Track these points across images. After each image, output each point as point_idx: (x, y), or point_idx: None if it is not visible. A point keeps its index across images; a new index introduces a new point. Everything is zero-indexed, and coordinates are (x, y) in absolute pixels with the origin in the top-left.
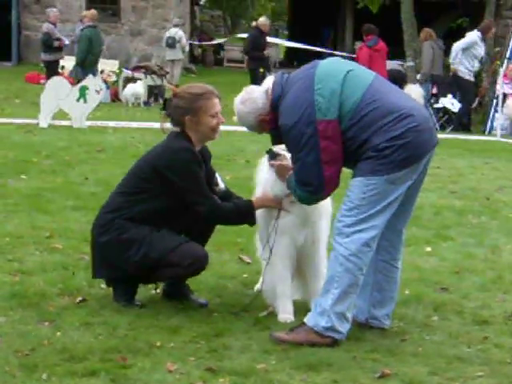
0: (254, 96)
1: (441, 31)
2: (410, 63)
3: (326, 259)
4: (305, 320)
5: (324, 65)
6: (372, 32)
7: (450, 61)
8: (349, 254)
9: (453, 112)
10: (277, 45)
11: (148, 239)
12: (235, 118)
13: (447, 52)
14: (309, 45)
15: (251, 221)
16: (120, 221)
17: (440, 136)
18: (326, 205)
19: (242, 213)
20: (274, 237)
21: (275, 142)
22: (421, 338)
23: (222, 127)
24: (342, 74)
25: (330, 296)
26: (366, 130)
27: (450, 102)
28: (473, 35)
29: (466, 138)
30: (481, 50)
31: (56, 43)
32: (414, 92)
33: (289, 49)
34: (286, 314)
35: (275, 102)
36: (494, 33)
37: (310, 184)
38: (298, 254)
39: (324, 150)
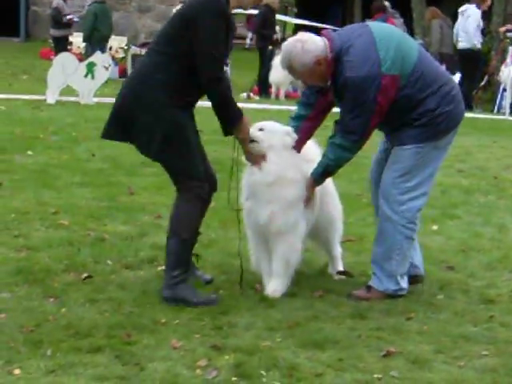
0: (314, 38)
1: (450, 9)
2: (418, 41)
3: (294, 244)
4: (372, 284)
5: (376, 25)
6: (381, 10)
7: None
8: (406, 222)
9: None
10: (282, 22)
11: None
12: (244, 95)
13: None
14: (317, 22)
15: (234, 122)
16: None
17: None
18: (301, 186)
19: (235, 108)
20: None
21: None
22: (426, 317)
23: None
24: (398, 33)
25: (394, 262)
26: (423, 90)
27: (459, 81)
28: (476, 11)
29: (474, 117)
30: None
31: (65, 19)
32: None
33: (298, 27)
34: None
35: (337, 53)
36: (488, 6)
37: (355, 133)
38: (267, 231)
39: (379, 104)
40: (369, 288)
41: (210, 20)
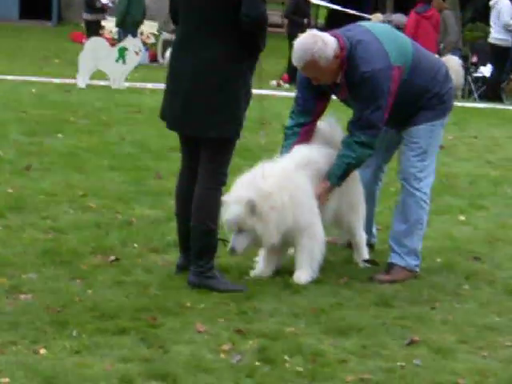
0: (326, 34)
1: (482, 0)
2: None
3: (316, 234)
4: (393, 261)
5: (367, 23)
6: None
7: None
8: (426, 198)
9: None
10: (315, 8)
11: None
12: (273, 83)
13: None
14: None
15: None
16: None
17: (478, 105)
18: (295, 203)
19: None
20: None
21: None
22: (451, 307)
23: (258, 91)
24: (388, 27)
25: (416, 237)
26: (426, 77)
27: (490, 72)
28: (507, 3)
29: (504, 108)
30: None
31: (99, 4)
32: (452, 62)
33: (330, 15)
34: (256, 272)
35: (348, 50)
36: None
37: (374, 126)
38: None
39: (392, 94)
40: (388, 269)
41: None
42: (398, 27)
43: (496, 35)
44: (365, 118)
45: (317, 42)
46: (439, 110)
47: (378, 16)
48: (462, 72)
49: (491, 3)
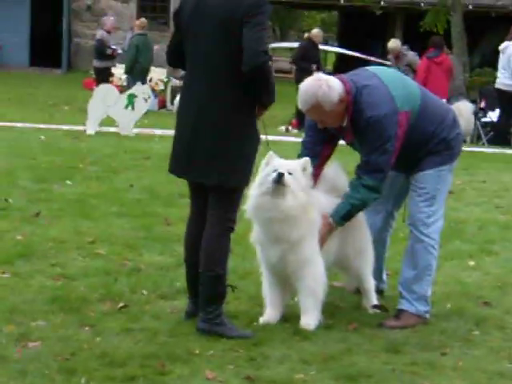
0: (332, 78)
1: (491, 44)
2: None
3: (316, 275)
4: (403, 308)
5: (375, 68)
6: (435, 45)
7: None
8: (434, 243)
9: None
10: (323, 54)
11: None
12: (282, 128)
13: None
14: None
15: (273, 96)
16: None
17: (487, 150)
18: (310, 223)
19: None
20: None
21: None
22: (461, 353)
23: (266, 137)
24: (396, 72)
25: (425, 283)
26: (433, 122)
27: (498, 117)
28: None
29: None
30: None
31: (109, 51)
32: (464, 108)
33: (338, 60)
34: (265, 318)
35: (354, 94)
36: None
37: (381, 171)
38: (282, 269)
39: (399, 139)
40: (398, 315)
41: (262, 11)
42: (410, 66)
43: (503, 80)
44: (372, 162)
45: (321, 86)
46: (446, 155)
47: (397, 41)
48: (472, 118)
49: (501, 48)
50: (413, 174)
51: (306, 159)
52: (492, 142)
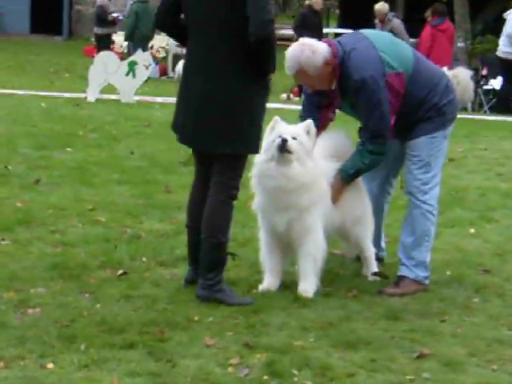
0: (317, 42)
1: (493, 13)
2: (460, 44)
3: (317, 241)
4: (403, 274)
5: (369, 31)
6: (439, 12)
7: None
8: (432, 209)
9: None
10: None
11: None
12: (283, 96)
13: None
14: (359, 26)
15: (274, 63)
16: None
17: (489, 118)
18: (317, 190)
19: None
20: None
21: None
22: (460, 320)
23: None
24: (389, 35)
25: (424, 249)
26: (425, 87)
27: (500, 84)
28: None
29: None
30: None
31: (110, 17)
32: (463, 74)
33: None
34: (264, 285)
35: (342, 57)
36: None
37: (382, 135)
38: (286, 236)
39: (391, 102)
40: (398, 282)
41: None
42: (393, 32)
43: (504, 48)
44: (371, 127)
45: (304, 51)
46: (439, 121)
47: (384, 5)
48: (472, 85)
49: (505, 14)
50: (406, 142)
51: (309, 121)
52: (494, 110)
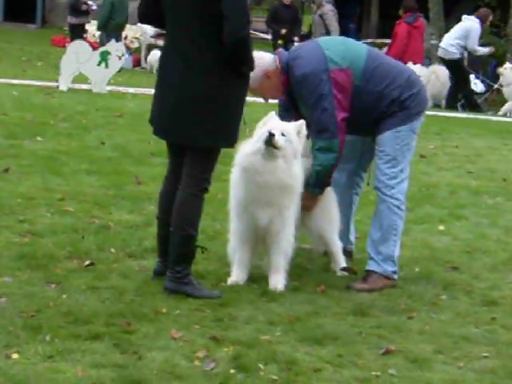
0: (261, 54)
1: (468, 9)
2: (433, 41)
3: (290, 236)
4: (371, 268)
5: (323, 37)
6: (412, 9)
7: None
8: (399, 204)
9: (476, 93)
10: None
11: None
12: None
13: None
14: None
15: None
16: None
17: (460, 116)
18: (298, 189)
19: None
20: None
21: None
22: (428, 317)
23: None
24: (341, 37)
25: (391, 243)
26: (380, 83)
27: (473, 83)
28: (471, 24)
29: (486, 119)
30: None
31: (84, 7)
32: (439, 72)
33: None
34: (233, 278)
35: (286, 62)
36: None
37: (326, 130)
38: (262, 230)
39: (336, 97)
40: (366, 277)
41: None
42: (322, 17)
43: (445, 47)
44: (315, 122)
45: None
46: (402, 115)
47: None
48: (448, 83)
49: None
50: (374, 139)
51: (301, 122)
52: (463, 109)
